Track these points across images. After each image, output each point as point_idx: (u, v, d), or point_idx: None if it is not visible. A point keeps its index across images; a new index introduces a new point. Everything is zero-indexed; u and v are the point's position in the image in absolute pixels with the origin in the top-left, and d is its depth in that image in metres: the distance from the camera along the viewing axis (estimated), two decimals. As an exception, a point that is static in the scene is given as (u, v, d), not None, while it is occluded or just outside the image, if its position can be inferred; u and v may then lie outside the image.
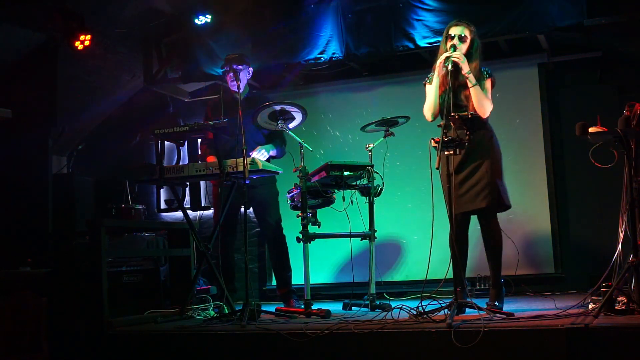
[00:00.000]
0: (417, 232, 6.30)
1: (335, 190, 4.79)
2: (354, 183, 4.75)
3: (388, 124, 4.90)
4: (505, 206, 4.28)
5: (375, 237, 4.81)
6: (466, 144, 3.92)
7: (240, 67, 5.07)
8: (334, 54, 6.20)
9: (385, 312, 4.25)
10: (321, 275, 6.61)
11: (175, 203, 6.93)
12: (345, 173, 4.60)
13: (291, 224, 5.10)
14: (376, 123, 4.91)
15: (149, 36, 6.98)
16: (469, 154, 4.18)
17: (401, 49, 6.01)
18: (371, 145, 4.91)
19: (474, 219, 4.34)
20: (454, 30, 4.27)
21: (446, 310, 3.77)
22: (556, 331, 3.25)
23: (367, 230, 4.78)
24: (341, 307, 4.81)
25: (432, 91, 4.31)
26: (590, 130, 3.88)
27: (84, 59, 6.37)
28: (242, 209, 4.37)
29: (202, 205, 7.25)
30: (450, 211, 3.97)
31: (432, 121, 4.36)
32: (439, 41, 4.46)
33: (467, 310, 4.02)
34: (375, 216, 4.82)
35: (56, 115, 6.43)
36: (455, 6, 5.75)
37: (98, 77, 6.85)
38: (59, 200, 6.18)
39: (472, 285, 5.40)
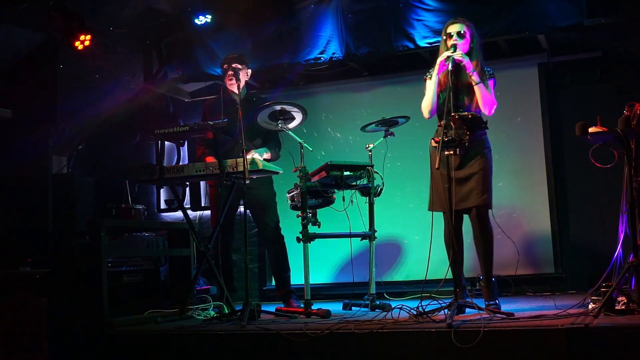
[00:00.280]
0: (417, 232, 6.30)
1: (335, 190, 4.79)
2: (354, 183, 4.75)
3: (388, 124, 4.90)
4: (490, 206, 4.28)
5: (375, 237, 4.81)
6: (466, 144, 3.93)
7: (239, 67, 5.06)
8: (334, 54, 6.21)
9: (385, 312, 4.25)
10: (321, 275, 6.61)
11: (175, 203, 6.94)
12: (345, 173, 4.60)
13: (291, 224, 5.10)
14: (376, 123, 4.91)
15: (149, 36, 6.98)
16: (465, 155, 4.18)
17: (401, 49, 6.01)
18: (371, 145, 4.91)
19: (466, 218, 4.34)
20: (452, 29, 4.27)
21: (446, 310, 3.77)
22: (556, 331, 3.25)
23: (367, 230, 4.78)
24: (341, 307, 4.81)
25: (430, 88, 4.30)
26: (590, 130, 3.87)
27: (84, 59, 6.37)
28: (241, 209, 4.38)
29: (202, 205, 7.26)
30: (450, 212, 3.97)
31: (428, 118, 4.36)
32: (439, 41, 4.46)
33: (467, 310, 4.02)
34: (375, 216, 4.82)
35: (56, 115, 6.43)
36: (455, 6, 5.75)
37: (98, 77, 6.85)
38: (59, 200, 6.18)
39: (472, 285, 5.39)
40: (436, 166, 3.79)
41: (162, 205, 7.51)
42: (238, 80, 4.97)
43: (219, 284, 4.79)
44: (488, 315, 3.71)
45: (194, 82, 7.16)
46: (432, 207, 4.31)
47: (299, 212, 4.57)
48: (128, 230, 5.88)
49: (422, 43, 5.89)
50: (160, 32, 6.94)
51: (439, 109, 4.30)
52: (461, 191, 4.19)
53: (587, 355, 3.19)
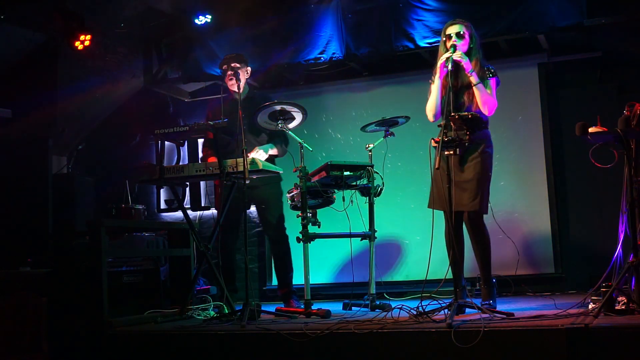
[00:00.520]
0: (417, 232, 6.30)
1: (335, 190, 4.79)
2: (354, 183, 4.75)
3: (388, 124, 4.90)
4: (485, 212, 4.28)
5: (375, 237, 4.81)
6: (466, 144, 3.93)
7: (238, 66, 5.06)
8: (334, 54, 6.21)
9: (385, 312, 4.24)
10: (321, 275, 6.61)
11: (175, 203, 6.95)
12: (345, 173, 4.60)
13: (291, 224, 5.10)
14: (376, 123, 4.91)
15: (149, 36, 6.99)
16: (465, 156, 4.19)
17: (401, 49, 6.01)
18: (371, 145, 4.91)
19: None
20: (451, 30, 4.27)
21: (446, 310, 3.77)
22: (556, 331, 3.25)
23: (367, 230, 4.78)
24: (341, 307, 4.81)
25: (434, 92, 4.31)
26: (590, 130, 3.87)
27: (84, 59, 6.37)
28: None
29: (202, 205, 7.26)
30: (450, 212, 3.97)
31: (433, 121, 4.37)
32: (439, 41, 4.46)
33: (467, 310, 4.02)
34: (376, 216, 4.82)
35: (56, 115, 6.43)
36: (455, 6, 5.75)
37: (98, 77, 6.85)
38: (59, 200, 6.18)
39: (472, 285, 5.39)
40: (436, 166, 3.79)
41: (162, 205, 7.50)
42: (238, 79, 4.96)
43: (219, 284, 4.79)
44: (488, 315, 3.71)
45: (194, 82, 7.16)
46: (431, 205, 4.32)
47: (299, 212, 4.57)
48: (128, 230, 5.88)
49: (422, 43, 5.89)
50: (160, 32, 6.94)
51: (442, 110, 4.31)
52: (457, 193, 4.18)
53: (587, 355, 3.19)
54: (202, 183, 7.14)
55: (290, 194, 4.81)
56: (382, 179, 4.78)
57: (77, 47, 6.03)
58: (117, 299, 4.67)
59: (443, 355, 3.39)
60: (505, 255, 5.35)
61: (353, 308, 4.75)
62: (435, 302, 4.14)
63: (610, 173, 4.18)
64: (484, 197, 4.22)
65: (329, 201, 4.79)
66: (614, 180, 4.31)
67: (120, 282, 4.93)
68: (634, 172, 3.84)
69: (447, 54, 4.16)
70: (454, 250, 4.07)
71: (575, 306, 3.91)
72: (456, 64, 4.18)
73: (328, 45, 6.22)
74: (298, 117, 4.71)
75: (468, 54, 4.24)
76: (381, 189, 4.78)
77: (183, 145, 7.43)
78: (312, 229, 4.56)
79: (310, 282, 4.60)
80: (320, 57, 6.25)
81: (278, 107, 4.61)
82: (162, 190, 7.51)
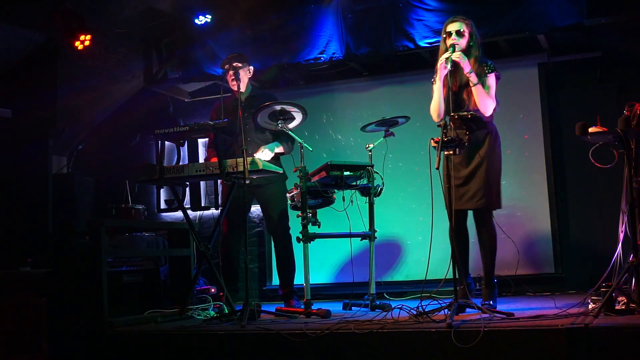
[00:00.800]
0: (417, 232, 6.30)
1: (335, 190, 4.79)
2: (354, 183, 4.75)
3: (388, 124, 4.90)
4: (495, 207, 4.28)
5: (375, 237, 4.80)
6: (466, 144, 3.92)
7: (239, 65, 5.06)
8: (334, 54, 6.21)
9: (385, 312, 4.24)
10: (321, 275, 6.61)
11: (175, 203, 6.95)
12: (345, 173, 4.60)
13: (291, 224, 5.10)
14: (376, 123, 4.91)
15: (149, 36, 6.98)
16: (469, 153, 4.19)
17: (401, 49, 6.01)
18: (371, 145, 4.91)
19: (471, 213, 4.34)
20: (452, 27, 4.27)
21: (446, 310, 3.77)
22: (556, 331, 3.25)
23: (367, 230, 4.78)
24: (341, 307, 4.81)
25: (436, 93, 4.31)
26: (590, 130, 3.87)
27: (84, 59, 6.37)
28: (253, 209, 4.36)
29: (202, 205, 7.26)
30: (450, 211, 3.97)
31: (438, 121, 4.37)
32: (439, 41, 4.46)
33: (467, 310, 4.02)
34: (376, 216, 4.82)
35: (56, 115, 6.43)
36: (455, 6, 5.74)
37: (98, 77, 6.85)
38: (59, 200, 6.18)
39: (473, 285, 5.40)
40: (436, 166, 3.79)
41: (162, 205, 7.50)
42: (238, 79, 4.96)
43: (219, 284, 4.79)
44: (488, 315, 3.71)
45: (194, 82, 7.16)
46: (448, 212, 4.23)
47: (299, 212, 4.57)
48: (128, 230, 5.88)
49: (422, 43, 5.89)
50: (160, 32, 6.94)
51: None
52: (463, 191, 4.18)
53: (587, 355, 3.19)
54: (202, 183, 7.14)
55: (290, 194, 4.81)
56: (382, 179, 4.78)
57: (77, 47, 6.03)
58: (117, 299, 4.67)
59: (443, 355, 3.39)
60: (505, 255, 5.34)
61: (353, 308, 4.75)
62: (435, 302, 4.14)
63: (610, 173, 4.18)
64: (493, 193, 4.22)
65: (329, 201, 4.79)
66: (614, 180, 4.31)
67: (120, 282, 4.94)
68: (634, 172, 3.84)
69: (446, 55, 4.16)
70: (452, 249, 4.06)
71: (575, 306, 3.91)
72: (455, 64, 4.18)
73: (328, 45, 6.22)
74: (298, 117, 4.71)
75: (467, 51, 4.24)
76: (381, 189, 4.78)
77: (183, 145, 7.43)
78: (312, 229, 4.56)
79: (311, 282, 4.60)
80: (320, 57, 6.25)
81: (278, 107, 4.61)
82: (162, 190, 7.51)
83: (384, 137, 4.92)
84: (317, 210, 4.74)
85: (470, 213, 4.35)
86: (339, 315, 4.43)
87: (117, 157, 7.45)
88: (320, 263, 6.43)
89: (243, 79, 5.05)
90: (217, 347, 3.91)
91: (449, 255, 3.91)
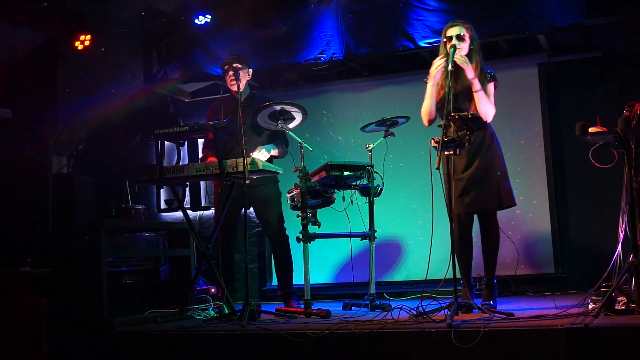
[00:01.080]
0: (417, 232, 6.30)
1: (335, 190, 4.79)
2: (354, 183, 4.75)
3: (388, 124, 4.90)
4: (508, 206, 4.28)
5: (376, 237, 4.80)
6: (466, 144, 3.92)
7: (239, 66, 5.06)
8: (334, 54, 6.21)
9: (385, 312, 4.25)
10: (321, 275, 6.61)
11: (175, 203, 6.94)
12: (345, 173, 4.60)
13: (291, 224, 5.10)
14: (376, 123, 4.91)
15: (149, 36, 6.99)
16: (471, 154, 4.18)
17: (401, 49, 6.02)
18: (371, 145, 4.91)
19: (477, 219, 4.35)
20: (452, 32, 4.27)
21: (446, 311, 3.77)
22: (556, 331, 3.25)
23: (367, 230, 4.78)
24: (341, 307, 4.81)
25: (427, 98, 4.32)
26: (590, 130, 3.87)
27: (84, 59, 6.37)
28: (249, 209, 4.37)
29: (202, 205, 7.26)
30: (450, 211, 3.97)
31: (428, 126, 4.38)
32: (439, 41, 4.46)
33: (474, 310, 4.01)
34: (376, 216, 4.82)
35: (56, 115, 6.42)
36: (455, 6, 5.75)
37: (98, 77, 6.85)
38: (59, 200, 6.17)
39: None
40: (436, 166, 3.79)
41: (162, 205, 7.51)
42: (238, 80, 4.96)
43: (219, 284, 4.79)
44: (488, 315, 3.71)
45: (194, 82, 7.16)
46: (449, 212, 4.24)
47: (299, 212, 4.57)
48: (128, 230, 5.88)
49: (422, 43, 5.90)
50: (160, 32, 6.95)
51: (439, 110, 4.31)
52: (469, 191, 4.18)
53: (587, 355, 3.19)
54: (202, 183, 7.14)
55: (290, 194, 4.81)
56: (382, 179, 4.78)
57: (77, 47, 6.03)
58: (117, 299, 4.67)
59: (443, 355, 3.40)
60: (505, 255, 5.35)
61: (353, 308, 4.75)
62: (435, 302, 4.14)
63: (610, 173, 4.18)
64: (502, 192, 4.21)
65: (329, 201, 4.79)
66: (614, 180, 4.31)
67: (120, 282, 4.94)
68: (634, 172, 3.84)
69: (439, 62, 4.14)
70: (452, 248, 4.06)
71: (575, 306, 3.91)
72: (456, 65, 4.17)
73: (328, 45, 6.22)
74: (298, 117, 4.71)
75: (468, 56, 4.23)
76: (381, 189, 4.78)
77: (183, 145, 7.42)
78: (312, 229, 4.56)
79: (310, 282, 4.60)
80: (320, 57, 6.25)
81: (278, 107, 4.61)
82: (162, 190, 7.51)
83: (384, 137, 4.92)
84: (317, 210, 4.75)
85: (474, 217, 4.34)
86: (339, 315, 4.43)
87: (117, 157, 7.44)
88: (320, 263, 6.43)
89: (242, 80, 5.05)
90: (217, 347, 3.91)
91: (449, 255, 3.91)
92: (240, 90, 4.88)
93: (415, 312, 3.90)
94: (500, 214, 4.34)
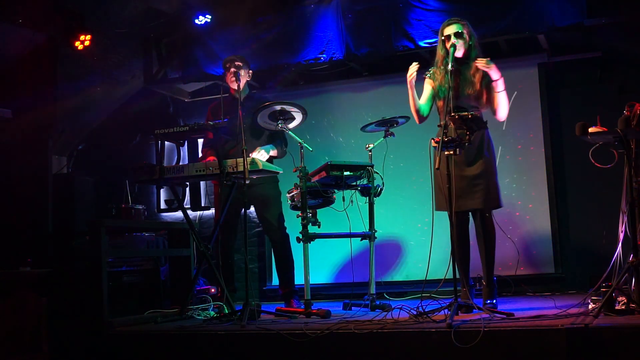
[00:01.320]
0: (417, 232, 6.30)
1: (335, 190, 4.79)
2: (354, 183, 4.75)
3: (388, 124, 4.90)
4: (497, 206, 4.30)
5: (376, 237, 4.81)
6: (466, 144, 3.93)
7: (240, 65, 5.06)
8: (334, 54, 6.21)
9: (385, 312, 4.25)
10: (321, 275, 6.61)
11: (175, 203, 6.94)
12: (345, 173, 4.60)
13: (291, 224, 5.10)
14: (376, 123, 4.91)
15: (149, 36, 6.99)
16: (469, 153, 4.20)
17: (401, 49, 6.01)
18: (371, 145, 4.91)
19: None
20: (449, 30, 4.28)
21: (446, 311, 3.77)
22: (556, 331, 3.25)
23: (367, 230, 4.78)
24: (341, 307, 4.81)
25: (409, 99, 4.34)
26: (590, 130, 3.88)
27: (84, 59, 6.37)
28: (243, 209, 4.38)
29: (202, 205, 7.26)
30: (450, 211, 3.97)
31: (419, 123, 4.42)
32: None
33: (474, 311, 4.01)
34: (376, 216, 4.82)
35: (56, 115, 6.42)
36: (455, 6, 5.75)
37: (98, 77, 6.85)
38: (59, 200, 6.17)
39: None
40: (436, 166, 3.79)
41: (162, 205, 7.50)
42: (238, 80, 4.96)
43: (219, 284, 4.79)
44: (488, 315, 3.71)
45: (194, 82, 7.16)
46: (439, 207, 4.31)
47: (299, 212, 4.57)
48: (128, 230, 5.88)
49: (422, 43, 5.90)
50: (160, 32, 6.94)
51: (439, 110, 4.32)
52: (465, 191, 4.19)
53: (587, 355, 3.19)
54: (202, 183, 7.14)
55: (290, 194, 4.81)
56: (382, 179, 4.78)
57: (77, 47, 6.03)
58: (117, 299, 4.68)
59: (443, 355, 3.40)
60: (505, 255, 5.34)
61: (353, 308, 4.75)
62: (435, 302, 4.14)
63: (610, 173, 4.18)
64: (494, 192, 4.23)
65: (329, 201, 4.80)
66: (614, 180, 4.30)
67: (120, 282, 4.94)
68: (634, 172, 3.84)
69: (413, 69, 4.22)
70: (452, 248, 4.06)
71: (575, 306, 3.91)
72: (456, 64, 4.18)
73: (328, 45, 6.22)
74: (298, 117, 4.71)
75: (468, 52, 4.24)
76: (381, 189, 4.78)
77: (183, 145, 7.41)
78: (312, 229, 4.56)
79: (311, 282, 4.60)
80: (320, 57, 6.25)
81: (278, 107, 4.61)
82: (162, 190, 7.51)
83: (384, 137, 4.92)
84: (317, 210, 4.75)
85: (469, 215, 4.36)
86: (339, 315, 4.43)
87: (117, 157, 7.44)
88: (320, 263, 6.43)
89: (242, 80, 5.06)
90: (217, 347, 3.91)
91: (449, 255, 3.91)
92: (240, 89, 4.88)
93: (415, 312, 3.90)
94: (501, 214, 4.34)
